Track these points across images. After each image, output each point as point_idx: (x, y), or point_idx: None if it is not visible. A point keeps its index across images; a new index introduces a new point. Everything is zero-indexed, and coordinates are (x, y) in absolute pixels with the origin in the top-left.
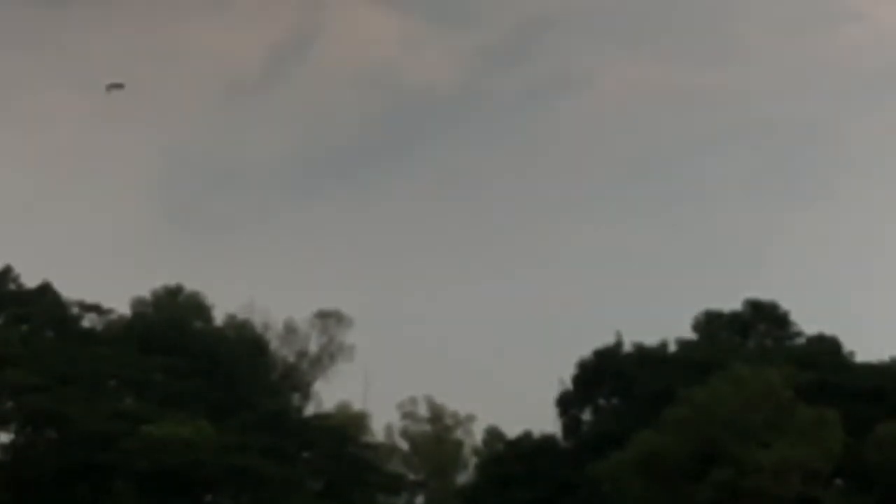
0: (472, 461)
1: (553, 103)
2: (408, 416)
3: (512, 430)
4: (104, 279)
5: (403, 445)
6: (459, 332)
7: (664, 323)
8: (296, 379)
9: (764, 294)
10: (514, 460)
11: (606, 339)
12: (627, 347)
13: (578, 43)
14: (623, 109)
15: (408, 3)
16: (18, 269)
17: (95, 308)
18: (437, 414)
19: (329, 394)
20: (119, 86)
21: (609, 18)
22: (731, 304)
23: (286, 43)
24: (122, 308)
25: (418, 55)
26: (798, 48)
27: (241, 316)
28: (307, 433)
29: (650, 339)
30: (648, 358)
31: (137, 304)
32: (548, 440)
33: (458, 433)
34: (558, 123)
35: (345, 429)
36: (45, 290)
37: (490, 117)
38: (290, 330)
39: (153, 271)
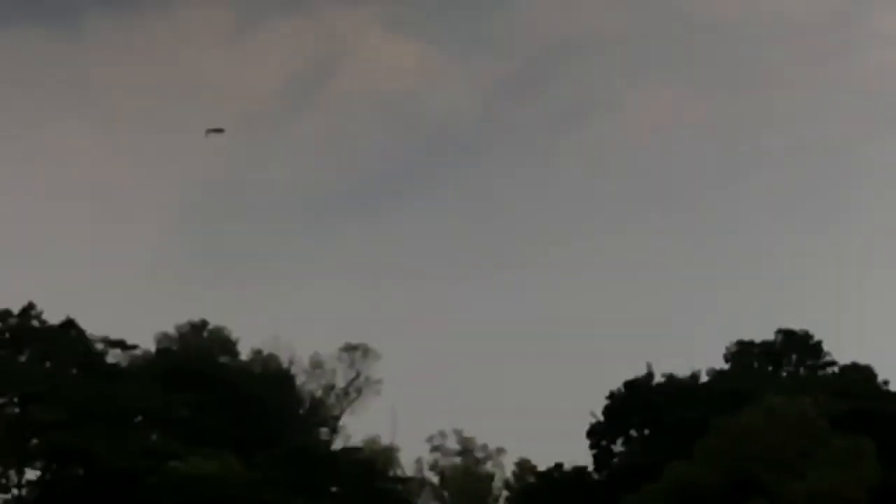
0: (503, 494)
1: (575, 130)
2: (437, 449)
3: (543, 462)
4: (128, 315)
5: (433, 479)
6: (488, 363)
7: (695, 353)
8: (323, 413)
9: (796, 323)
10: (545, 493)
11: (637, 370)
12: (658, 378)
13: (600, 70)
14: (646, 136)
15: (428, 31)
16: (41, 305)
17: (120, 344)
18: (466, 447)
19: (357, 428)
20: (219, 130)
21: (631, 46)
22: (763, 333)
23: (307, 73)
24: (147, 343)
25: (439, 83)
26: (824, 73)
27: (267, 350)
28: (336, 467)
29: (681, 370)
30: (679, 388)
31: (162, 339)
32: (579, 472)
33: (489, 466)
34: (580, 150)
35: (373, 463)
36: (69, 326)
37: (511, 144)
38: (316, 364)
39: (177, 306)
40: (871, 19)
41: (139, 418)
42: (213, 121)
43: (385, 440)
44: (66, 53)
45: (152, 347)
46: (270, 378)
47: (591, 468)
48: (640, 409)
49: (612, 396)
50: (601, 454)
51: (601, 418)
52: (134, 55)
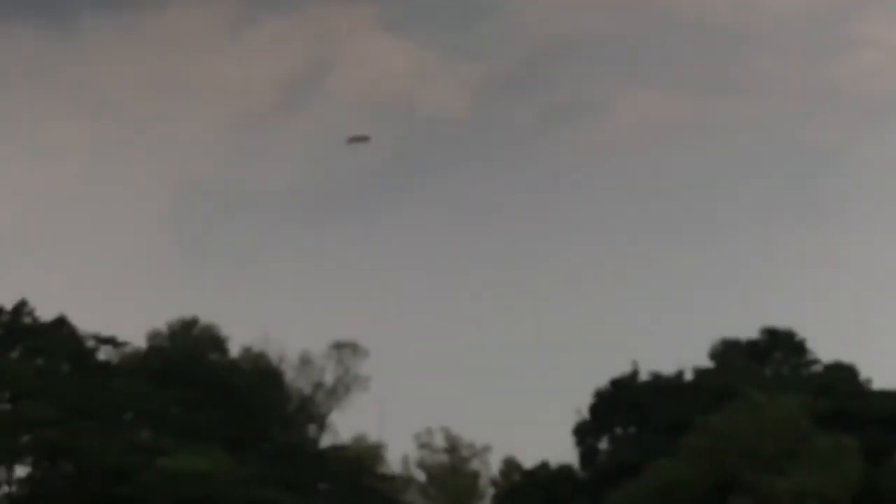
0: (489, 492)
1: (566, 132)
2: (424, 446)
3: (529, 460)
4: (119, 312)
5: (420, 476)
6: (475, 361)
7: (680, 351)
8: (311, 410)
9: (780, 322)
10: (531, 490)
11: (622, 368)
12: (643, 376)
13: (591, 72)
14: (636, 138)
15: (421, 33)
16: (34, 302)
17: (111, 341)
18: (453, 444)
19: (345, 425)
20: (364, 138)
21: (621, 48)
22: (748, 331)
23: (300, 74)
24: (138, 340)
25: (431, 85)
26: (811, 75)
27: (257, 347)
28: (324, 465)
29: (666, 368)
30: (665, 386)
31: (153, 336)
32: (565, 470)
33: (475, 463)
34: (571, 152)
35: (361, 460)
36: (61, 323)
37: (503, 146)
38: (305, 361)
39: (168, 303)
40: (862, 21)
41: (130, 415)
42: (206, 119)
43: (372, 437)
44: (61, 52)
45: (143, 344)
46: (260, 375)
47: (576, 466)
48: (625, 407)
49: (598, 394)
50: (587, 452)
51: (587, 416)
52: (129, 54)
